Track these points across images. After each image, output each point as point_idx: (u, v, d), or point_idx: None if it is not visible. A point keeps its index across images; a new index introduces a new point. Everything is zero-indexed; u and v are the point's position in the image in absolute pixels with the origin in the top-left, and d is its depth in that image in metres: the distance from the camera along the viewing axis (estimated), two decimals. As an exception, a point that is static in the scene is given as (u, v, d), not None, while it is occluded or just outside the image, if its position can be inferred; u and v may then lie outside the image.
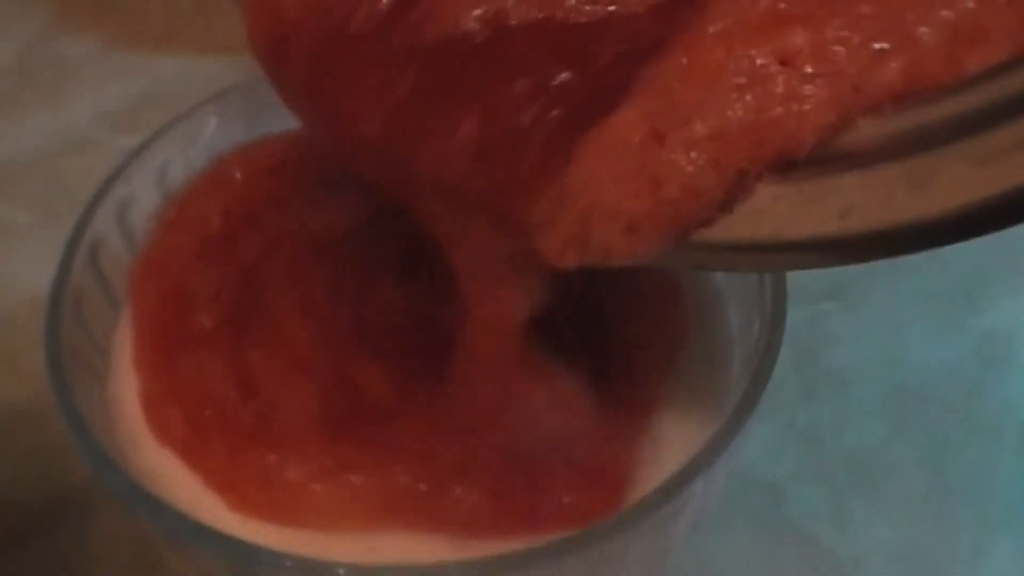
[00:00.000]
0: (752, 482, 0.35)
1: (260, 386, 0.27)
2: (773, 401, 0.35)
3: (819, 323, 0.38)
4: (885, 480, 0.35)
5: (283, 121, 0.29)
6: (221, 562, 0.23)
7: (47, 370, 0.25)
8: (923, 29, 0.21)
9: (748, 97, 0.21)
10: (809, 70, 0.21)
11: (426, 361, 0.26)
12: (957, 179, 0.20)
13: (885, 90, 0.21)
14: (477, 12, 0.22)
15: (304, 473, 0.25)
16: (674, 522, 0.24)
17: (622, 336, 0.27)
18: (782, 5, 0.21)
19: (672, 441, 0.26)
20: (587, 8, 0.22)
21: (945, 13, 0.21)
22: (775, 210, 0.22)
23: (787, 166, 0.22)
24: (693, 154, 0.21)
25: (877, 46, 0.21)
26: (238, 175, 0.30)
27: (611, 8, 0.22)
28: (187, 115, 0.30)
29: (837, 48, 0.21)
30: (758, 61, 0.21)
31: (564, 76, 0.22)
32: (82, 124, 0.45)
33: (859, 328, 0.38)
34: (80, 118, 0.45)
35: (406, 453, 0.25)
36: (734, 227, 0.22)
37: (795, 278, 0.25)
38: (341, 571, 0.22)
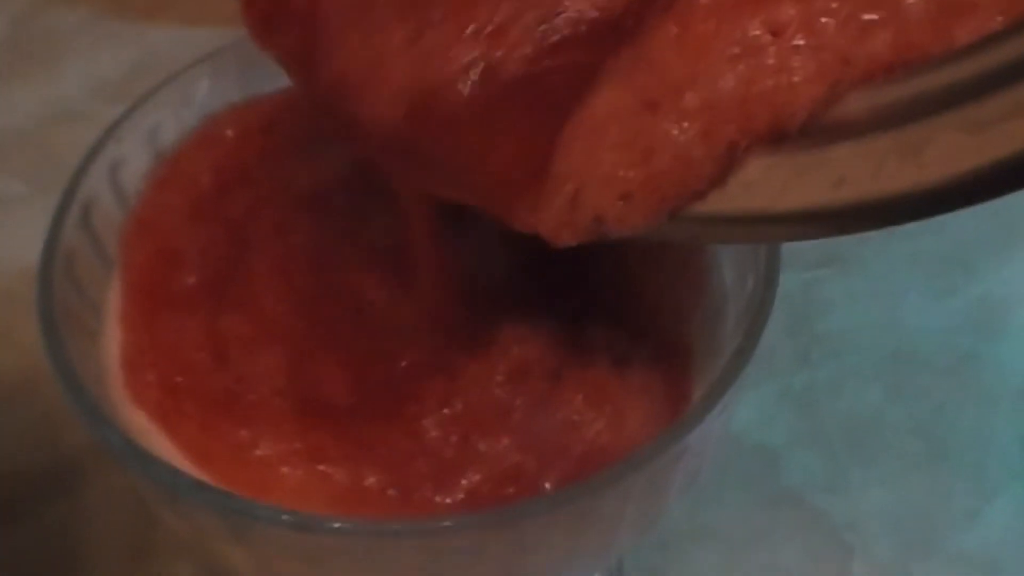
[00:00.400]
0: (747, 447, 0.35)
1: (232, 355, 0.26)
2: (768, 367, 0.36)
3: (814, 289, 0.38)
4: (880, 445, 0.35)
5: (276, 81, 0.29)
6: (218, 518, 0.23)
7: (40, 329, 0.25)
8: (911, 0, 0.21)
9: (740, 68, 0.21)
10: (799, 42, 0.21)
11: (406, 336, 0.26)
12: (949, 148, 0.20)
13: (875, 61, 0.21)
14: None
15: (274, 453, 0.25)
16: (668, 478, 0.24)
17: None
18: None
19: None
20: None
21: None
22: (768, 182, 0.22)
23: (779, 138, 0.22)
24: (685, 124, 0.21)
25: (866, 17, 0.21)
26: (229, 134, 0.30)
27: None
28: (179, 75, 0.30)
29: (826, 20, 0.21)
30: (749, 32, 0.21)
31: (538, 61, 0.22)
32: (74, 95, 0.45)
33: (854, 294, 0.38)
34: (72, 89, 0.45)
35: (374, 454, 0.25)
36: (727, 199, 0.22)
37: (789, 244, 0.25)
38: (336, 524, 0.22)
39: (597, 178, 0.21)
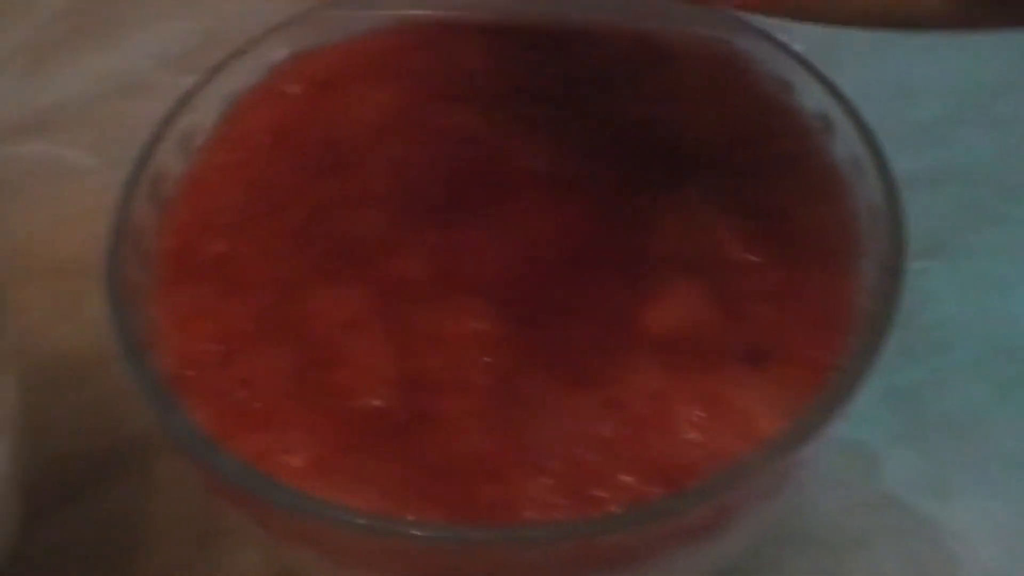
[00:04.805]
0: (845, 447, 0.32)
1: (240, 340, 0.24)
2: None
3: (918, 281, 0.35)
4: (987, 446, 0.33)
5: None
6: (289, 515, 0.21)
7: (107, 305, 0.24)
8: None
9: None
10: None
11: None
12: None
13: None
14: None
15: (296, 465, 0.22)
16: (784, 486, 0.22)
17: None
18: None
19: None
20: None
21: None
22: None
23: None
24: None
25: None
26: (290, 89, 0.28)
27: None
28: (253, 44, 0.29)
29: None
30: None
31: None
32: (141, 66, 0.44)
33: (959, 286, 0.36)
34: (138, 59, 0.44)
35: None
36: None
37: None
38: (416, 530, 0.21)
39: None
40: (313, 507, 0.21)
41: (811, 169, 0.26)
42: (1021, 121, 0.40)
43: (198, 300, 0.25)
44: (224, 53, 0.43)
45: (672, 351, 0.23)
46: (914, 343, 0.34)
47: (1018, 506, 0.31)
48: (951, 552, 0.31)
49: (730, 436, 0.22)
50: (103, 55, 0.44)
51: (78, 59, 0.44)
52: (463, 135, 0.27)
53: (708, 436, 0.22)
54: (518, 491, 0.21)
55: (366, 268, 0.25)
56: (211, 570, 0.32)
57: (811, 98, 0.27)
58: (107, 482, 0.33)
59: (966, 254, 0.36)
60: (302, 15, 0.29)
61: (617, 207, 0.26)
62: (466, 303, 0.24)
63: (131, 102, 0.42)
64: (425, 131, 0.27)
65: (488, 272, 0.24)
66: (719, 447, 0.22)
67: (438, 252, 0.25)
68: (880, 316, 0.23)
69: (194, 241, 0.26)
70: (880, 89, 0.34)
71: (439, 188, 0.26)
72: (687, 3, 0.27)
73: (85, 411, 0.35)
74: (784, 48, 0.27)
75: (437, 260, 0.25)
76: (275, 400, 0.23)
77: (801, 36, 0.28)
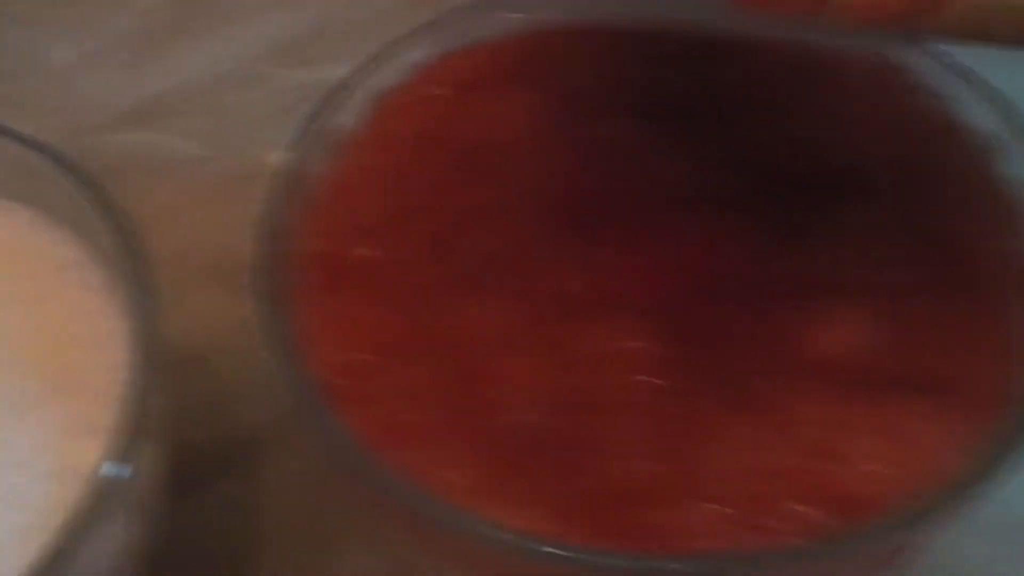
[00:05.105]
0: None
1: (390, 349, 0.24)
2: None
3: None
4: None
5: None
6: (449, 533, 0.21)
7: (259, 308, 0.23)
8: None
9: None
10: None
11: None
12: None
13: None
14: None
15: (457, 482, 0.22)
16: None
17: None
18: None
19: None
20: None
21: None
22: None
23: None
24: None
25: None
26: (435, 91, 0.28)
27: None
28: (399, 41, 0.28)
29: None
30: None
31: None
32: (247, 56, 0.43)
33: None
34: (245, 49, 0.43)
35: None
36: None
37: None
38: (607, 560, 0.20)
39: None
40: (483, 529, 0.20)
41: (979, 191, 0.25)
42: None
43: (348, 307, 0.24)
44: (331, 45, 0.42)
45: (843, 378, 0.22)
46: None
47: None
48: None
49: (910, 468, 0.21)
50: (210, 44, 0.44)
51: (185, 48, 0.44)
52: (612, 146, 0.26)
53: (887, 467, 0.21)
54: (686, 518, 0.21)
55: (516, 281, 0.24)
56: (322, 573, 0.31)
57: (978, 116, 0.26)
58: (222, 476, 0.33)
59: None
60: (446, 15, 0.28)
61: (774, 227, 0.25)
62: (622, 321, 0.23)
63: (238, 91, 0.42)
64: (572, 140, 0.27)
65: (643, 290, 0.24)
66: (899, 480, 0.21)
67: (591, 268, 0.24)
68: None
69: (341, 245, 0.25)
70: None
71: (588, 201, 0.26)
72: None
73: (192, 406, 0.34)
74: (951, 64, 0.26)
75: (590, 276, 0.24)
76: (429, 413, 0.22)
77: (966, 52, 0.27)
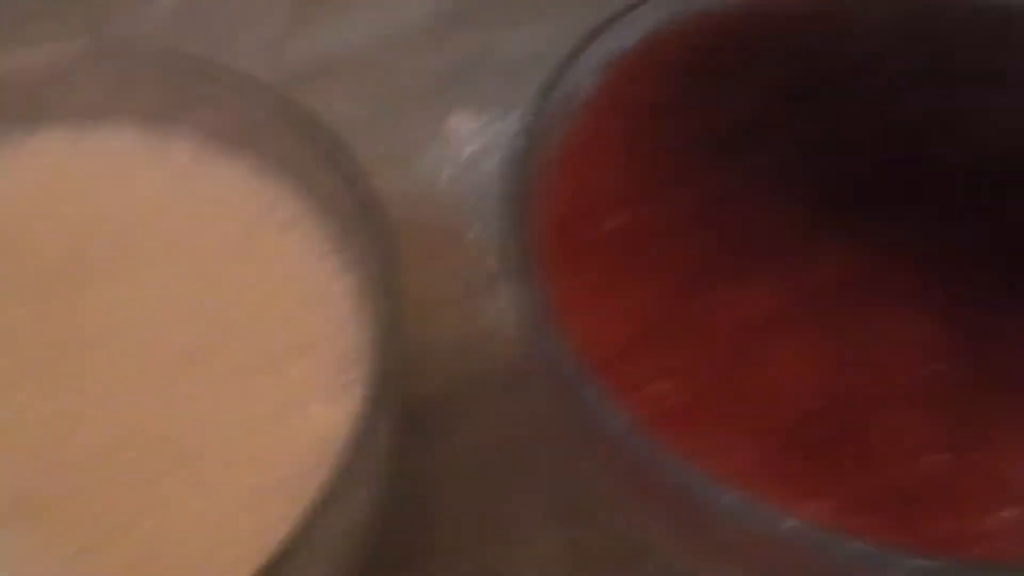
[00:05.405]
0: None
1: (652, 325, 0.22)
2: None
3: None
4: None
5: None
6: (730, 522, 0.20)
7: (505, 276, 0.22)
8: None
9: None
10: None
11: None
12: None
13: None
14: None
15: (740, 470, 0.20)
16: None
17: None
18: None
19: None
20: None
21: None
22: None
23: None
24: None
25: None
26: (668, 58, 0.27)
27: None
28: (632, 8, 0.27)
29: None
30: None
31: None
32: (411, 20, 0.42)
33: None
34: (414, 12, 0.42)
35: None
36: None
37: None
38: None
39: None
40: (769, 519, 0.19)
41: None
42: None
43: (601, 276, 0.23)
44: (496, 11, 0.41)
45: None
46: None
47: None
48: None
49: None
50: (373, 8, 0.43)
51: (347, 11, 0.43)
52: (877, 125, 0.25)
53: None
54: (982, 522, 0.19)
55: (784, 261, 0.23)
56: (503, 555, 0.30)
57: None
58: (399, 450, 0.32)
59: None
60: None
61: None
62: (906, 312, 0.22)
63: (401, 55, 0.41)
64: (820, 114, 0.25)
65: (924, 278, 0.22)
66: None
67: (865, 252, 0.23)
68: None
69: (586, 211, 0.24)
70: None
71: (847, 179, 0.24)
72: None
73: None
74: None
75: (866, 261, 0.23)
76: (704, 397, 0.21)
77: None
